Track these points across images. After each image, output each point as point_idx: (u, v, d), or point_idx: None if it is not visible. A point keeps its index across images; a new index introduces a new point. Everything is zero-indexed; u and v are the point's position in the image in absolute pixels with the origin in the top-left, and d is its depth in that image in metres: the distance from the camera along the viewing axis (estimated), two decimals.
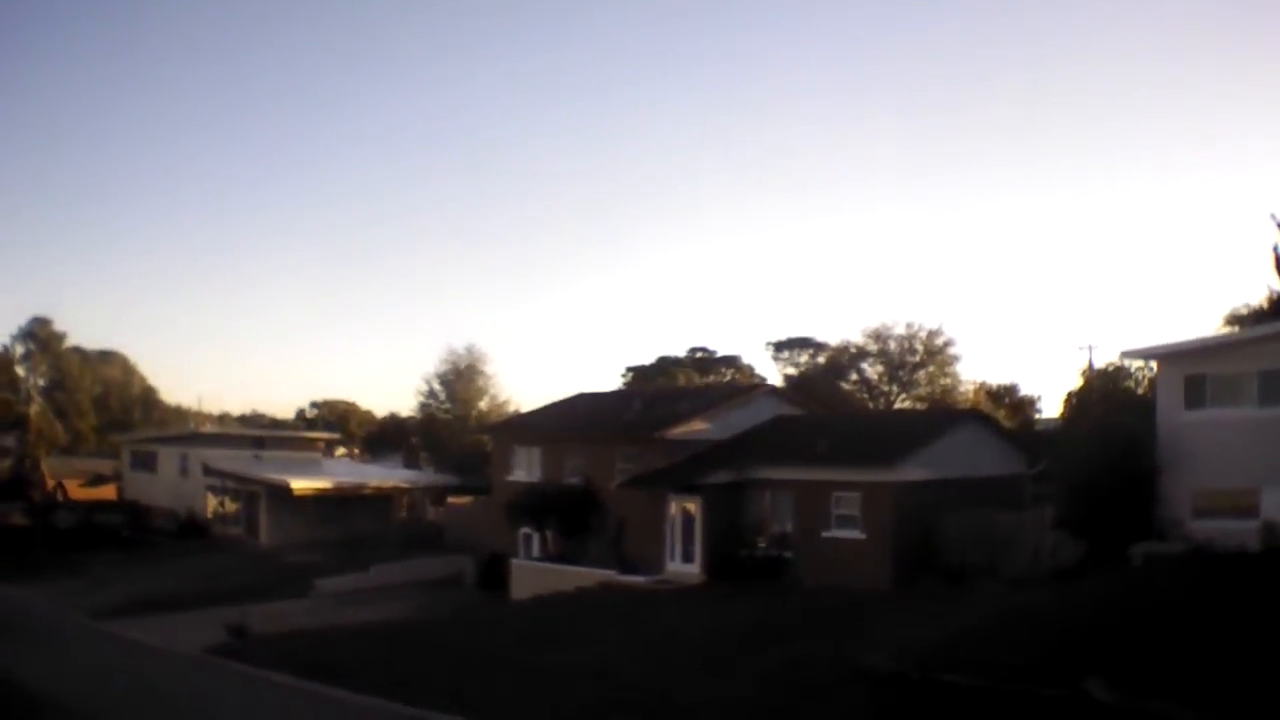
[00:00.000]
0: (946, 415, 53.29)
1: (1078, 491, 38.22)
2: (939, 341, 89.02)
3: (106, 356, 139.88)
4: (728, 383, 76.44)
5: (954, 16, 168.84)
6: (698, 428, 49.28)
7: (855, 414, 62.26)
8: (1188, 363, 38.79)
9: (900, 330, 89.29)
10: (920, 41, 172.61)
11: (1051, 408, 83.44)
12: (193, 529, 69.53)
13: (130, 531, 66.16)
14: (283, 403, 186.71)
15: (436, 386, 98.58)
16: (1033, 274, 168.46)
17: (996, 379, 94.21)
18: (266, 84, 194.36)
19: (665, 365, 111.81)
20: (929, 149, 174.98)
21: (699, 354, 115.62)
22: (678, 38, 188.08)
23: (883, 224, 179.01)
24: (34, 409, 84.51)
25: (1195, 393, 38.30)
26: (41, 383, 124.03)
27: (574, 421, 58.04)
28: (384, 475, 77.29)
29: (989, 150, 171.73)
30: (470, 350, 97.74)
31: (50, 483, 78.99)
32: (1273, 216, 50.74)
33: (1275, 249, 50.95)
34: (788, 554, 42.04)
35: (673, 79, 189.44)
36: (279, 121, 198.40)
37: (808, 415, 52.68)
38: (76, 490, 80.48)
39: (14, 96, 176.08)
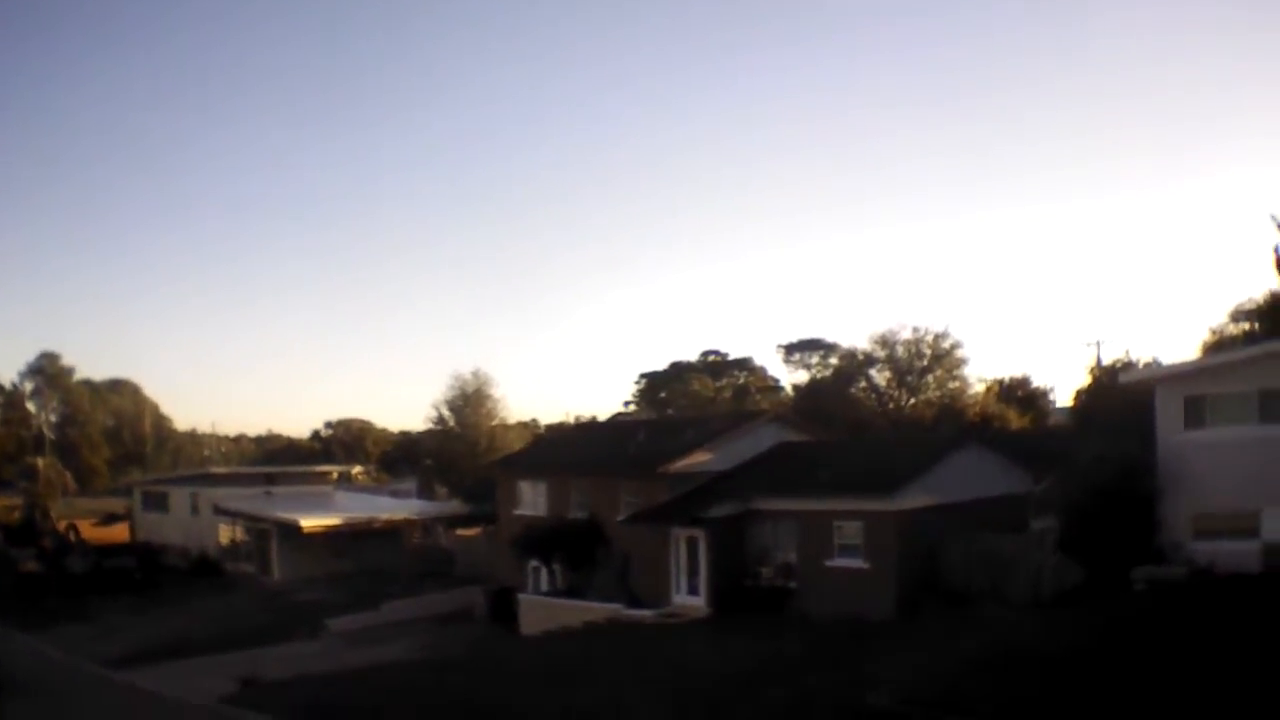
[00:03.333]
0: (948, 439, 53.07)
1: (1079, 514, 38.25)
2: (946, 344, 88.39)
3: (116, 386, 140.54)
4: (730, 413, 75.62)
5: (957, 30, 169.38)
6: (700, 459, 49.27)
7: (857, 439, 61.68)
8: (1187, 384, 38.69)
9: (907, 334, 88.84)
10: (921, 55, 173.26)
11: (1065, 397, 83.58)
12: (205, 567, 69.75)
13: (143, 574, 66.38)
14: (298, 423, 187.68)
15: (445, 412, 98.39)
16: (1043, 271, 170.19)
17: (1009, 372, 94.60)
18: (275, 111, 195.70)
19: (679, 370, 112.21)
20: (937, 157, 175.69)
21: (712, 358, 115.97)
22: (686, 52, 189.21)
23: (891, 228, 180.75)
24: (42, 461, 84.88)
25: (1195, 413, 38.16)
26: (52, 418, 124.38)
27: (578, 455, 58.55)
28: (394, 507, 77.54)
29: (997, 154, 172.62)
30: (477, 374, 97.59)
31: (63, 524, 79.39)
32: (1273, 217, 50.92)
33: (1276, 249, 51.12)
34: (793, 584, 42.04)
35: (683, 91, 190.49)
36: (289, 147, 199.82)
37: (810, 442, 52.59)
38: (89, 530, 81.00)
39: (15, 131, 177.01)
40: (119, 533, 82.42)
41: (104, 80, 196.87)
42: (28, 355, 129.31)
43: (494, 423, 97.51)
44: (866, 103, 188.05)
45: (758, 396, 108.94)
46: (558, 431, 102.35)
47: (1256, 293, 62.14)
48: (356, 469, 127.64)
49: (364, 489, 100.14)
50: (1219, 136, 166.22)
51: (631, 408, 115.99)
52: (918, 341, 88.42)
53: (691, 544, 44.26)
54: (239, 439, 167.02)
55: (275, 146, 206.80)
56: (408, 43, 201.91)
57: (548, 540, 50.84)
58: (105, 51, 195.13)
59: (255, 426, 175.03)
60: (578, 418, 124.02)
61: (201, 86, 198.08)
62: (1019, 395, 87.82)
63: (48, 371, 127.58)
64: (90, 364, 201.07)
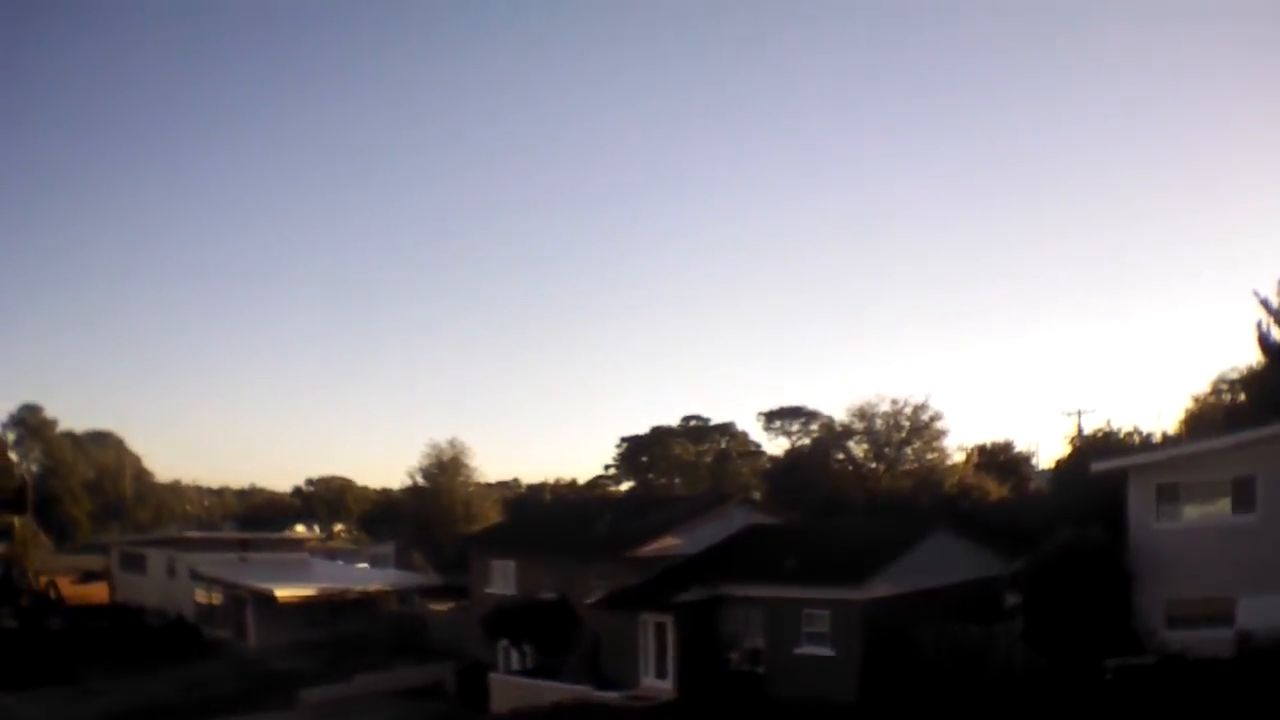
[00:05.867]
0: (919, 522, 53.55)
1: (1049, 601, 38.09)
2: (926, 416, 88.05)
3: (99, 438, 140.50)
4: (699, 494, 75.73)
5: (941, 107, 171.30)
6: (668, 543, 50.01)
7: (827, 522, 61.49)
8: (1159, 472, 38.52)
9: (886, 406, 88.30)
10: (902, 114, 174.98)
11: (1048, 458, 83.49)
12: (182, 631, 69.57)
13: (120, 636, 66.49)
14: (280, 476, 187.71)
15: (420, 480, 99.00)
16: (1028, 334, 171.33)
17: (990, 436, 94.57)
18: (255, 167, 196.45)
19: (660, 435, 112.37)
20: (919, 223, 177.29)
21: (692, 422, 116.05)
22: (675, 113, 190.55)
23: (879, 295, 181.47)
24: (18, 521, 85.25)
25: (1168, 501, 37.91)
26: (34, 469, 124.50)
27: (547, 535, 59.42)
28: (370, 577, 77.89)
29: (984, 219, 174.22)
30: (453, 444, 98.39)
31: (43, 580, 79.58)
32: (1256, 294, 51.84)
33: (1259, 325, 52.02)
34: (760, 669, 42.35)
35: (657, 151, 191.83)
36: (274, 204, 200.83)
37: (779, 525, 52.92)
38: (68, 588, 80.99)
39: None
40: (98, 591, 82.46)
41: (86, 139, 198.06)
42: (10, 406, 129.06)
43: (470, 489, 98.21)
44: (864, 172, 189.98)
45: (739, 461, 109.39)
46: (529, 505, 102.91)
47: (1240, 361, 62.94)
48: (338, 527, 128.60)
49: (341, 553, 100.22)
50: (1208, 207, 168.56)
51: (612, 471, 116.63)
52: (896, 414, 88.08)
53: (660, 628, 44.58)
54: (221, 492, 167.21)
55: (260, 203, 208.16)
56: (416, 120, 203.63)
57: (518, 620, 51.34)
58: (81, 101, 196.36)
59: (238, 479, 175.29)
60: (558, 480, 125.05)
61: (184, 144, 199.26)
62: (1000, 461, 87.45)
63: (30, 423, 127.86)
64: (73, 416, 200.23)
